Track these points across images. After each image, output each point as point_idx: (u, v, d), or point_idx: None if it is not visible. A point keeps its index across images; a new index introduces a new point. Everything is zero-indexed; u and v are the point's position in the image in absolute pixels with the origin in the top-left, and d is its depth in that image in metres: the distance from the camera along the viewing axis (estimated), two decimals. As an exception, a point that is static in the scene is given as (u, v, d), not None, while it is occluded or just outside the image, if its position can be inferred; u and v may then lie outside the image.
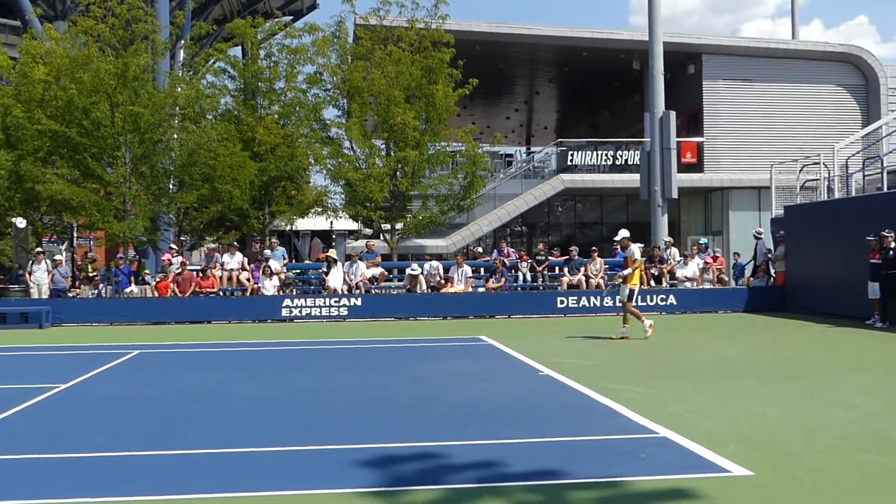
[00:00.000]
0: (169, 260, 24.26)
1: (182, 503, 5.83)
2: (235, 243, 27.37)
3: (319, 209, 31.28)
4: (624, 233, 17.11)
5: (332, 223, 36.40)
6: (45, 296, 23.20)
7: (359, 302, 22.84)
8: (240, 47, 34.47)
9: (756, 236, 25.28)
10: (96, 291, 24.55)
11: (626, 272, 16.59)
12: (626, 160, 38.82)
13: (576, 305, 23.15)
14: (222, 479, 6.41)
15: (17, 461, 7.10)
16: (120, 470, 6.74)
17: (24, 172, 25.96)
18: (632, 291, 16.45)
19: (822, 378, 11.14)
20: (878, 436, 7.55)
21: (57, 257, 25.40)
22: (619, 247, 17.30)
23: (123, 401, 10.07)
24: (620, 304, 17.39)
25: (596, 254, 25.27)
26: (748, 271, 26.05)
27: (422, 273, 24.06)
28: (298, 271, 26.61)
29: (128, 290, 23.67)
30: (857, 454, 6.89)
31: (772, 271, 24.45)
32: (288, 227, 35.51)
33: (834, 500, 5.73)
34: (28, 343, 17.51)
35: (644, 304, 23.09)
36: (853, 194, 22.97)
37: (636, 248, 16.71)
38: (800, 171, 25.07)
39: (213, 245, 28.03)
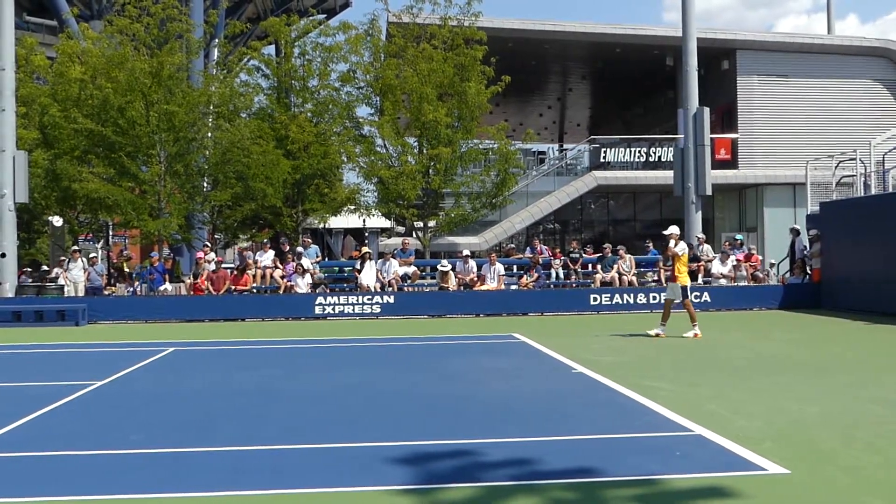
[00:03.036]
0: (203, 258, 24.40)
1: (218, 500, 5.86)
2: (266, 241, 27.51)
3: (352, 207, 31.35)
4: (673, 229, 16.75)
5: (364, 221, 36.42)
6: (81, 294, 23.47)
7: (391, 299, 22.87)
8: (273, 46, 34.64)
9: (794, 232, 25.05)
10: (132, 289, 24.77)
11: (672, 260, 16.25)
12: (660, 157, 38.67)
13: (609, 302, 23.05)
14: (257, 475, 6.42)
15: (54, 457, 7.16)
16: (156, 467, 6.78)
17: (61, 171, 26.27)
18: (684, 289, 16.17)
19: (860, 375, 11.00)
20: (917, 434, 7.45)
21: (92, 255, 25.66)
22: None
23: (159, 398, 10.14)
24: (665, 302, 16.83)
25: (623, 251, 25.17)
26: (784, 267, 25.82)
27: (452, 269, 24.05)
28: (336, 269, 26.65)
29: (162, 287, 23.86)
30: (897, 453, 6.81)
31: (808, 268, 24.23)
32: (321, 225, 35.64)
33: (873, 499, 5.64)
34: (65, 340, 17.67)
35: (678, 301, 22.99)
36: (890, 190, 22.70)
37: (683, 245, 16.43)
38: (835, 167, 24.83)
39: (245, 244, 28.15)
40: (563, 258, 26.11)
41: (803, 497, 5.68)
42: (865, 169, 23.68)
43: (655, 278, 25.32)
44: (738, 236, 28.00)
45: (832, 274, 22.79)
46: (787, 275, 25.17)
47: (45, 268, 24.68)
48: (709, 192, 27.90)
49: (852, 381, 10.54)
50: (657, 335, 16.05)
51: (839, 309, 21.78)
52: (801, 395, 9.45)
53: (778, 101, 38.55)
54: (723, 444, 7.11)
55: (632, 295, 23.27)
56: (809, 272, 24.11)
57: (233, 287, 23.30)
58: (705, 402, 9.07)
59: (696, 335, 15.86)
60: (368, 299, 22.80)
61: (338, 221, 38.87)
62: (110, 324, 21.94)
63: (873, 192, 23.13)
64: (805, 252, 24.45)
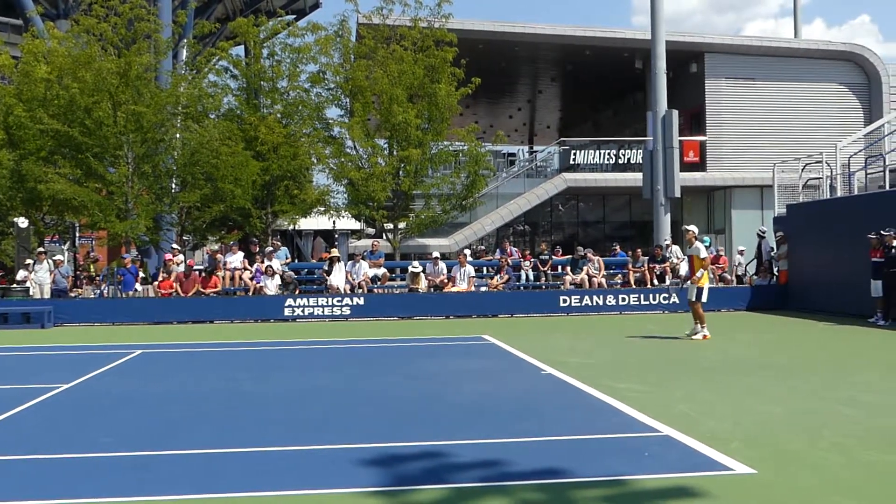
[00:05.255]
0: (172, 259, 24.23)
1: (187, 503, 5.83)
2: (233, 243, 27.35)
3: (322, 209, 31.26)
4: (692, 227, 16.74)
5: (334, 223, 36.35)
6: (46, 296, 23.21)
7: (361, 301, 22.84)
8: (242, 46, 34.47)
9: (760, 235, 25.26)
10: (98, 291, 24.53)
11: (697, 275, 16.20)
12: (629, 159, 38.84)
13: (578, 304, 23.14)
14: (227, 478, 6.40)
15: (21, 461, 7.08)
16: (124, 470, 6.72)
17: (26, 172, 25.97)
18: (700, 290, 16.09)
19: (826, 376, 11.12)
20: (883, 434, 7.53)
21: (58, 257, 25.39)
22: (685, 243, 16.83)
23: (127, 400, 10.06)
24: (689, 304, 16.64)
25: (590, 253, 25.28)
26: (751, 269, 26.03)
27: (423, 271, 24.07)
28: (305, 271, 26.53)
29: (133, 289, 23.66)
30: (862, 452, 6.87)
31: (774, 270, 24.44)
32: (290, 227, 35.50)
33: (838, 498, 5.70)
34: (30, 343, 17.51)
35: (647, 302, 23.16)
36: (855, 193, 22.95)
37: (702, 246, 16.42)
38: (802, 169, 25.05)
39: (214, 246, 27.98)
40: (532, 260, 26.18)
41: (769, 497, 5.72)
42: (831, 171, 23.92)
43: (622, 281, 25.46)
44: (706, 239, 28.17)
45: (799, 275, 23.01)
46: (754, 276, 25.38)
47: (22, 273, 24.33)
48: (677, 194, 28.11)
49: (819, 381, 10.66)
50: (704, 337, 15.95)
51: (806, 310, 22.00)
52: (768, 396, 9.53)
53: (746, 103, 38.83)
54: (691, 445, 7.16)
55: (601, 296, 23.37)
56: (777, 273, 24.32)
57: (201, 289, 23.16)
58: (674, 403, 9.13)
59: (703, 336, 15.93)
60: (338, 301, 22.74)
61: (307, 223, 38.76)
62: (77, 326, 21.75)
63: (839, 194, 23.35)
64: (772, 254, 24.66)
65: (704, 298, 16.18)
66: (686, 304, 16.67)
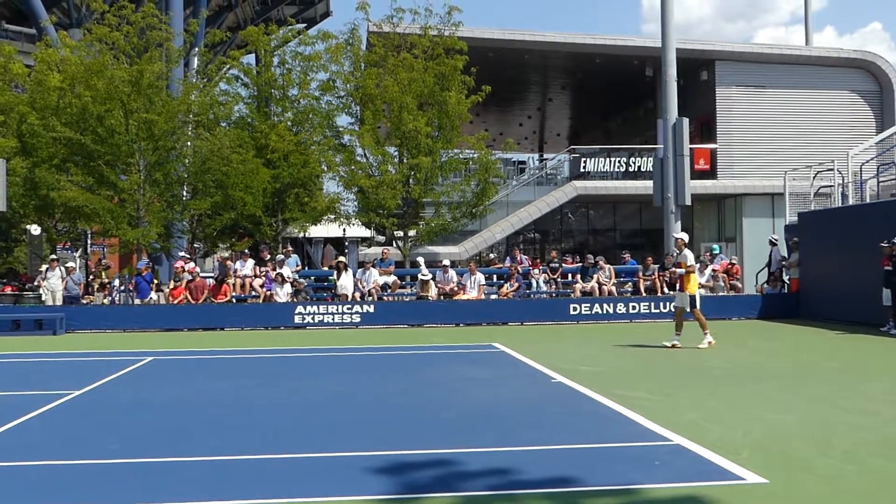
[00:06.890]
0: (182, 267, 24.28)
1: (195, 509, 5.83)
2: (246, 251, 27.43)
3: (332, 216, 31.25)
4: (681, 235, 16.64)
5: (344, 230, 36.33)
6: (58, 303, 23.30)
7: (371, 309, 22.84)
8: (253, 55, 34.55)
9: (771, 243, 25.19)
10: (110, 298, 24.61)
11: (678, 272, 16.06)
12: (640, 167, 38.76)
13: (588, 312, 23.11)
14: (236, 485, 6.40)
15: (31, 468, 7.11)
16: (134, 476, 6.74)
17: (39, 179, 26.08)
18: (692, 298, 15.90)
19: (837, 385, 11.08)
20: (894, 442, 7.50)
21: (70, 264, 25.49)
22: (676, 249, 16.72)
23: (137, 407, 10.09)
24: (674, 311, 16.66)
25: (602, 261, 25.23)
26: (762, 278, 25.95)
27: (433, 278, 24.07)
28: (312, 278, 26.57)
29: (148, 297, 23.69)
30: (874, 461, 6.84)
31: (786, 278, 24.36)
32: (301, 235, 35.52)
33: (850, 507, 5.69)
34: (42, 350, 17.54)
35: (659, 311, 23.10)
36: (867, 200, 22.88)
37: (690, 254, 16.27)
38: (813, 177, 24.99)
39: (225, 254, 28.05)
40: (542, 268, 26.14)
41: (781, 506, 5.71)
42: (843, 179, 23.86)
43: (632, 289, 25.41)
44: (715, 247, 28.08)
45: (809, 283, 22.93)
46: (765, 285, 25.30)
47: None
48: (688, 202, 28.00)
49: (830, 390, 10.61)
50: (673, 346, 15.83)
51: (817, 318, 21.92)
52: (778, 405, 9.50)
53: (756, 111, 38.74)
54: (701, 454, 7.13)
55: (611, 305, 23.34)
56: (787, 282, 24.24)
57: (212, 298, 23.20)
58: (684, 412, 9.10)
59: (709, 343, 15.78)
60: (348, 309, 22.75)
61: (318, 230, 38.74)
62: (88, 333, 21.81)
63: (850, 202, 23.30)
64: (782, 262, 24.58)
65: (698, 304, 16.07)
66: (684, 314, 16.44)
